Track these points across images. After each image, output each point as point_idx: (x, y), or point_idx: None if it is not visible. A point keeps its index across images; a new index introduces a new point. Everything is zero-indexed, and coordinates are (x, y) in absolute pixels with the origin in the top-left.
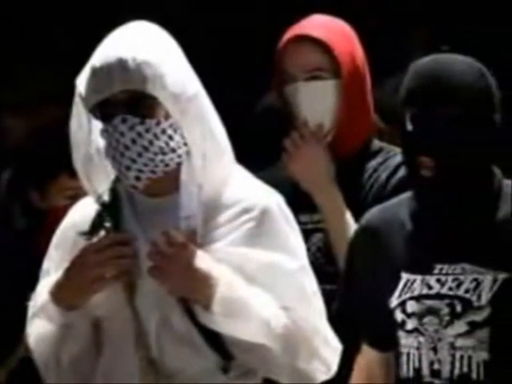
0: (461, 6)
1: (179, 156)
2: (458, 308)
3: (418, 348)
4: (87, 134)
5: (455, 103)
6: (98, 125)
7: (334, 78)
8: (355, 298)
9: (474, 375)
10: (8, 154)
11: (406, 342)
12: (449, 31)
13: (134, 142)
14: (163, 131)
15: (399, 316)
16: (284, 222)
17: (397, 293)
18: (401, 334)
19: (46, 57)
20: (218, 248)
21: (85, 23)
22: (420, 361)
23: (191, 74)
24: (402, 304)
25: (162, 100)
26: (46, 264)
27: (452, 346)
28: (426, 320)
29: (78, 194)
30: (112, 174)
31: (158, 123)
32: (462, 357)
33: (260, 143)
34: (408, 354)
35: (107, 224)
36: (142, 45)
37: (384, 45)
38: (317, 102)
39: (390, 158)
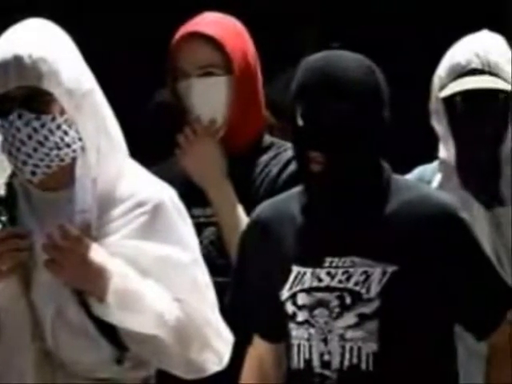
0: (351, 6)
1: (74, 151)
2: (348, 300)
3: (308, 339)
4: None
5: (344, 99)
6: None
7: (226, 75)
8: (247, 290)
9: (363, 366)
10: None
11: (296, 333)
12: (339, 30)
13: (29, 137)
14: (58, 126)
15: (290, 308)
16: (177, 216)
17: (288, 285)
18: (292, 325)
19: None
20: (112, 241)
21: None
22: (310, 352)
23: (86, 70)
24: (293, 296)
25: (58, 96)
26: None
27: (342, 338)
28: (316, 312)
29: None
30: (8, 169)
31: (54, 119)
32: (351, 348)
33: (153, 138)
34: (299, 346)
35: (3, 218)
36: (38, 42)
37: (275, 42)
38: (209, 98)
39: (281, 153)
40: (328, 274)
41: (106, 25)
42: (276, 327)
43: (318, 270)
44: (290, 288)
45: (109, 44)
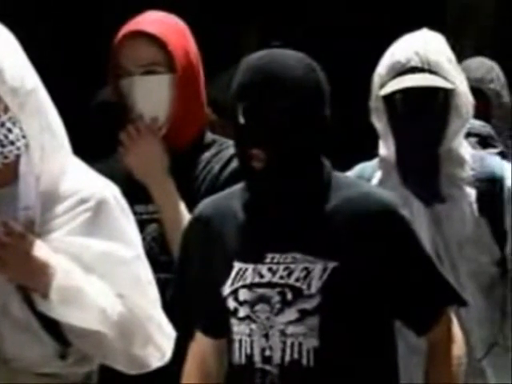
0: (291, 4)
1: (18, 148)
2: (289, 296)
3: (249, 335)
4: None
5: (285, 97)
6: None
7: (169, 73)
8: (189, 286)
9: (304, 361)
10: None
11: (238, 329)
12: (279, 29)
13: None
14: (2, 124)
15: (231, 304)
16: (120, 213)
17: (229, 281)
18: (233, 321)
19: None
20: (55, 238)
21: None
22: (252, 347)
23: (30, 68)
24: (235, 292)
25: (2, 94)
26: None
27: (283, 333)
28: (257, 308)
29: None
30: None
31: None
32: (292, 343)
33: (96, 136)
34: (240, 341)
35: None
36: None
37: (217, 41)
38: (152, 96)
39: (222, 150)
40: (269, 269)
41: (48, 24)
42: (218, 323)
43: (259, 266)
44: (232, 284)
45: (53, 43)
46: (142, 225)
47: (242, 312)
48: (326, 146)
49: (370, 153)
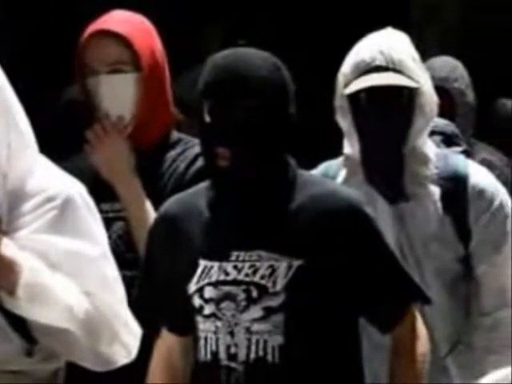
0: (256, 4)
1: None
2: (254, 294)
3: (215, 332)
4: None
5: (251, 95)
6: None
7: (135, 72)
8: (155, 284)
9: (269, 358)
10: None
11: (203, 326)
12: (244, 27)
13: None
14: None
15: (197, 301)
16: (86, 211)
17: (195, 279)
18: (199, 318)
19: None
20: (22, 236)
21: None
22: (217, 345)
23: None
24: (200, 290)
25: None
26: None
27: (248, 331)
28: (223, 305)
29: None
30: None
31: None
32: (257, 341)
33: (63, 134)
34: (206, 338)
35: None
36: None
37: (182, 40)
38: (118, 95)
39: (188, 149)
40: (235, 267)
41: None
42: (183, 320)
43: (224, 264)
44: (198, 282)
45: (19, 42)
46: (107, 223)
47: (208, 309)
48: (291, 145)
49: (335, 151)
